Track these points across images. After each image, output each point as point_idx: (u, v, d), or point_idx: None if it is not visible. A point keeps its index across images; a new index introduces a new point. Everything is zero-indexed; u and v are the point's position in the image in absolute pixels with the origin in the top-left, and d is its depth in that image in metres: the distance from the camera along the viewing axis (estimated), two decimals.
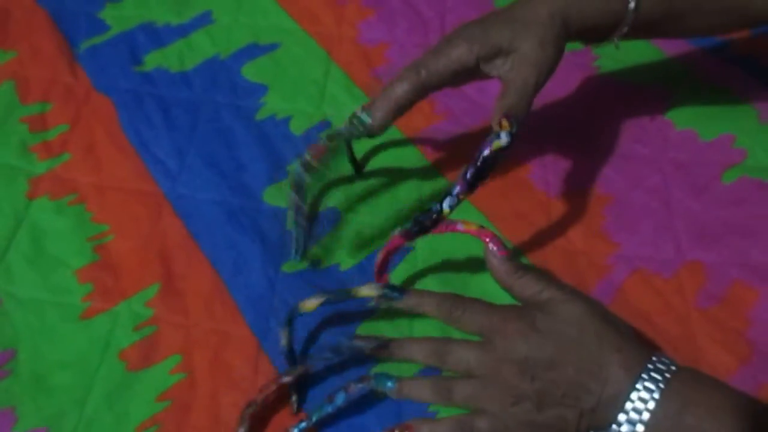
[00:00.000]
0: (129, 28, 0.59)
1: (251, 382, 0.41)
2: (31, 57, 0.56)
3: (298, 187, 0.45)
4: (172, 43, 0.58)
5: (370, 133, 0.42)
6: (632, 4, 0.42)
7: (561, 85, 0.55)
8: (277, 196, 0.49)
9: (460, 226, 0.40)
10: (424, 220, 0.41)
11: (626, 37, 0.44)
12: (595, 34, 0.44)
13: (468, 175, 0.40)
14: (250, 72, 0.56)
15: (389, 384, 0.39)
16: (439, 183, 0.50)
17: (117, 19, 0.60)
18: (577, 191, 0.50)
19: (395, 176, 0.50)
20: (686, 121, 0.53)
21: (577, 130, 0.53)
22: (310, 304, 0.41)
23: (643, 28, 0.44)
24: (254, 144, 0.51)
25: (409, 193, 0.50)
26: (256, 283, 0.45)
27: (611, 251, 0.47)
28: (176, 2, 0.61)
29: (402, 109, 0.42)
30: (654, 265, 0.46)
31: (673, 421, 0.33)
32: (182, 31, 0.59)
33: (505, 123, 0.40)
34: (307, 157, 0.44)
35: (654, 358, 0.35)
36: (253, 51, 0.57)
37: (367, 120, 0.42)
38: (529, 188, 0.50)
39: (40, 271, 0.45)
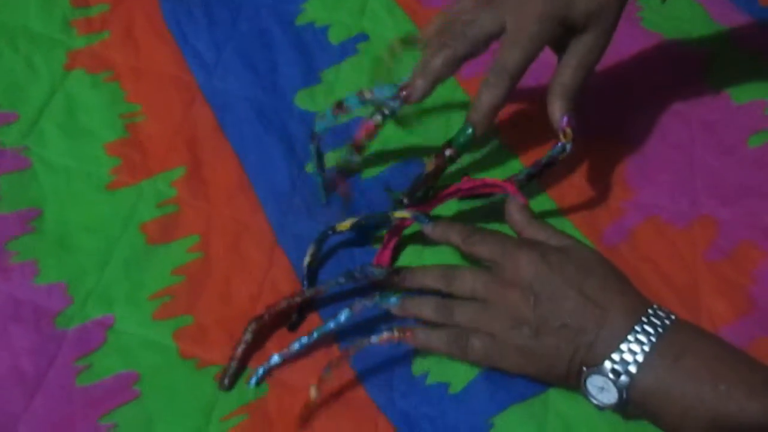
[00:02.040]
0: None
1: (264, 271, 0.43)
2: None
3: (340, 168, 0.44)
4: None
5: (472, 143, 0.42)
6: None
7: None
8: (308, 101, 0.49)
9: (488, 180, 0.42)
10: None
11: None
12: None
13: (530, 176, 0.43)
14: None
15: (393, 300, 0.39)
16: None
17: None
18: (603, 135, 0.50)
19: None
20: (721, 83, 0.53)
21: (611, 78, 0.53)
22: (345, 223, 0.41)
23: None
24: (291, 48, 0.52)
25: (438, 118, 0.50)
26: (278, 180, 0.46)
27: (627, 197, 0.48)
28: None
29: (499, 111, 0.41)
30: (668, 215, 0.47)
31: (668, 367, 0.34)
32: None
33: (569, 133, 0.41)
34: (358, 141, 0.43)
35: (655, 307, 0.36)
36: None
37: (472, 134, 0.41)
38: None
39: (71, 139, 0.46)
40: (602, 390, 0.35)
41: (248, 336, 0.39)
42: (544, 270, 0.37)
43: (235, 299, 0.41)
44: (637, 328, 0.35)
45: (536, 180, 0.44)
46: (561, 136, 0.41)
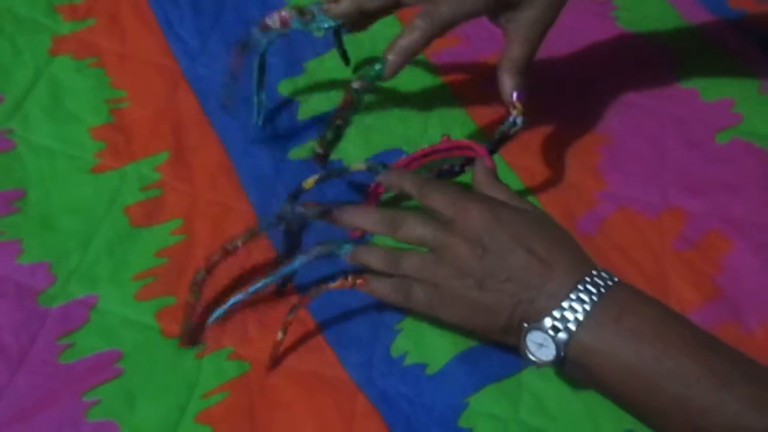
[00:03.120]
0: None
1: (247, 254, 0.43)
2: None
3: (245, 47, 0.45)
4: None
5: (382, 80, 0.42)
6: None
7: (576, 30, 0.57)
8: (291, 89, 0.50)
9: (465, 141, 0.43)
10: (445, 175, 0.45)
11: None
12: None
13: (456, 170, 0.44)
14: None
15: (345, 248, 0.39)
16: (447, 96, 0.52)
17: None
18: (576, 128, 0.52)
19: (405, 87, 0.52)
20: (690, 81, 0.55)
21: (585, 73, 0.55)
22: (310, 181, 0.42)
23: None
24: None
25: (417, 104, 0.51)
26: (262, 165, 0.47)
27: (601, 188, 0.49)
28: None
29: (414, 56, 0.42)
30: (639, 206, 0.49)
31: (607, 326, 0.34)
32: None
33: (519, 106, 0.42)
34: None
35: (599, 268, 0.37)
36: None
37: (381, 70, 0.42)
38: (532, 121, 0.52)
39: (56, 122, 0.46)
40: (541, 347, 0.35)
41: (199, 276, 0.39)
42: (494, 224, 0.37)
43: (217, 281, 0.42)
44: (580, 286, 0.35)
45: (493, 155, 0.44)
46: (512, 110, 0.42)
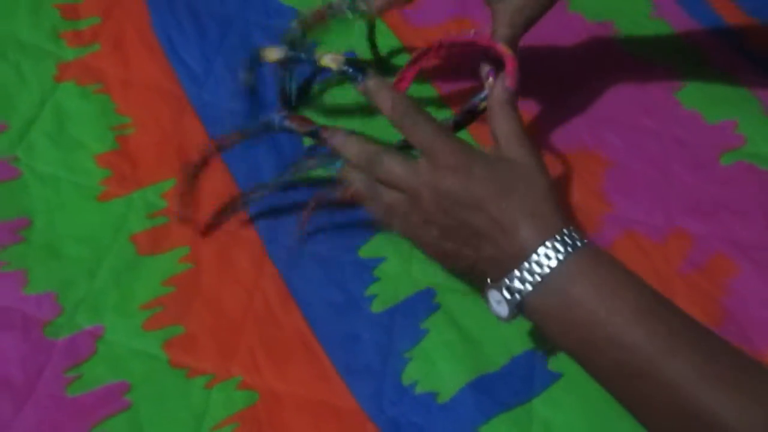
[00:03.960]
0: None
1: (254, 280, 0.43)
2: None
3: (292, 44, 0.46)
4: None
5: (364, 11, 0.46)
6: None
7: (579, 53, 0.57)
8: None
9: (499, 46, 0.42)
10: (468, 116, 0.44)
11: None
12: None
13: (454, 123, 0.43)
14: None
15: (338, 164, 0.40)
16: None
17: None
18: (582, 151, 0.52)
19: None
20: (693, 102, 0.55)
21: (589, 96, 0.55)
22: (271, 54, 0.42)
23: None
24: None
25: None
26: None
27: (606, 210, 0.49)
28: None
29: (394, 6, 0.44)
30: (644, 229, 0.49)
31: (560, 292, 0.34)
32: None
33: (492, 83, 0.42)
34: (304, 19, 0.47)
35: (563, 232, 0.36)
36: None
37: (365, 7, 0.45)
38: (538, 144, 0.52)
39: (61, 149, 0.46)
40: (499, 303, 0.36)
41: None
42: (465, 183, 0.36)
43: (225, 309, 0.42)
44: (540, 251, 0.35)
45: (463, 128, 0.44)
46: (486, 86, 0.43)
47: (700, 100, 0.55)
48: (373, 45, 0.53)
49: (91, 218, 0.43)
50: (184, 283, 0.42)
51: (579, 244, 0.35)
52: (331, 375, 0.40)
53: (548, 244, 0.35)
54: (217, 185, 0.46)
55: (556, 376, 0.42)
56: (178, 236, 0.44)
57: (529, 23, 0.44)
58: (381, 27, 0.56)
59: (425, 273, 0.44)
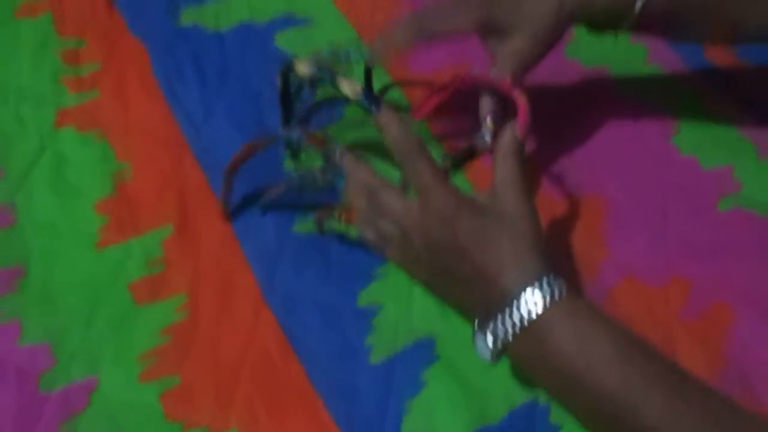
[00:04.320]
0: None
1: (251, 330, 0.43)
2: None
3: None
4: (211, 3, 0.60)
5: (367, 61, 0.48)
6: (638, 6, 0.44)
7: (576, 97, 0.58)
8: (296, 163, 0.51)
9: (515, 93, 0.43)
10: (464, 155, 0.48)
11: (627, 30, 0.47)
12: (599, 25, 0.47)
13: (454, 158, 0.45)
14: (282, 41, 0.58)
15: (342, 184, 0.42)
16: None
17: None
18: (581, 197, 0.52)
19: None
20: (690, 148, 0.56)
21: (588, 140, 0.55)
22: (302, 67, 0.43)
23: (645, 26, 0.46)
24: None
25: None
26: (266, 238, 0.46)
27: (606, 256, 0.49)
28: None
29: (399, 49, 0.46)
30: (644, 275, 0.48)
31: (535, 345, 0.36)
32: None
33: (490, 124, 0.44)
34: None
35: (547, 279, 0.36)
36: (287, 21, 0.59)
37: (367, 56, 0.47)
38: (537, 189, 0.52)
39: (59, 196, 0.46)
40: (483, 346, 0.37)
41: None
42: (451, 231, 0.37)
43: (222, 359, 0.41)
44: (522, 299, 0.36)
45: (459, 167, 0.46)
46: (483, 126, 0.44)
47: (696, 146, 0.56)
48: (369, 89, 0.54)
49: (88, 266, 0.43)
50: (181, 332, 0.42)
51: (559, 292, 0.36)
52: (330, 427, 0.40)
53: (529, 291, 0.36)
54: (217, 234, 0.46)
55: (556, 429, 0.41)
56: (176, 283, 0.44)
57: (528, 67, 0.45)
58: (378, 69, 0.57)
59: (424, 321, 0.44)
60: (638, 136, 0.56)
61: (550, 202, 0.51)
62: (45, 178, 0.46)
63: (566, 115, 0.57)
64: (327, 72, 0.41)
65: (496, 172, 0.40)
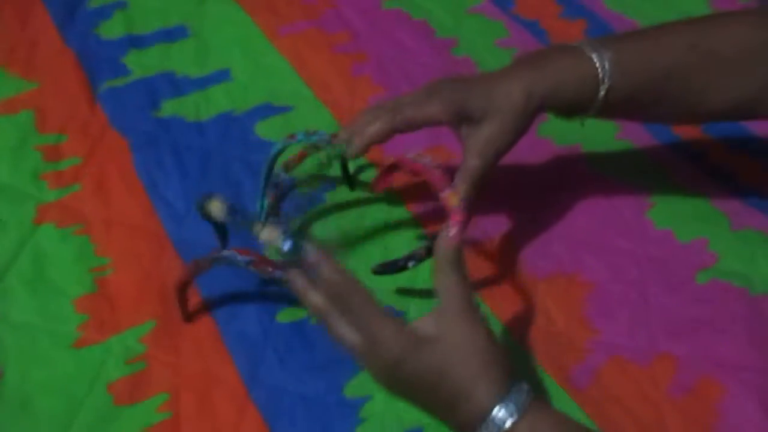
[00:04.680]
0: (149, 75, 0.62)
1: (235, 428, 0.42)
2: (53, 90, 0.59)
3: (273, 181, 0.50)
4: (190, 94, 0.61)
5: (343, 159, 0.47)
6: (602, 92, 0.46)
7: (551, 175, 0.59)
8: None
9: (445, 192, 0.41)
10: (388, 269, 0.47)
11: (592, 116, 0.49)
12: (566, 111, 0.48)
13: (427, 249, 0.45)
14: (262, 129, 0.59)
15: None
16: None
17: (139, 65, 0.62)
18: (561, 277, 0.52)
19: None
20: (665, 221, 0.57)
21: (564, 219, 0.56)
22: (215, 208, 0.40)
23: (610, 111, 0.48)
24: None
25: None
26: (249, 331, 0.46)
27: (590, 336, 0.49)
28: (197, 56, 0.64)
29: (375, 143, 0.45)
30: (629, 353, 0.49)
31: None
32: (201, 83, 0.62)
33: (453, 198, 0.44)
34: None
35: (502, 406, 0.36)
36: (267, 110, 0.60)
37: (343, 151, 0.46)
38: (518, 269, 0.52)
39: (37, 296, 0.45)
40: None
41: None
42: (398, 379, 0.37)
43: None
44: (489, 419, 0.35)
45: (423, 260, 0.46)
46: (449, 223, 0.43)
47: (671, 219, 0.57)
48: (347, 175, 0.55)
49: (67, 368, 0.42)
50: None
51: (524, 406, 0.36)
52: None
53: (495, 411, 0.36)
54: (199, 328, 0.46)
55: None
56: (157, 382, 0.43)
57: (500, 154, 0.46)
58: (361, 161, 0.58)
59: (412, 411, 0.43)
60: (614, 213, 0.58)
61: (532, 283, 0.52)
62: (23, 277, 0.46)
63: (541, 195, 0.58)
64: (240, 218, 0.40)
65: (436, 288, 0.38)
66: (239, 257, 0.42)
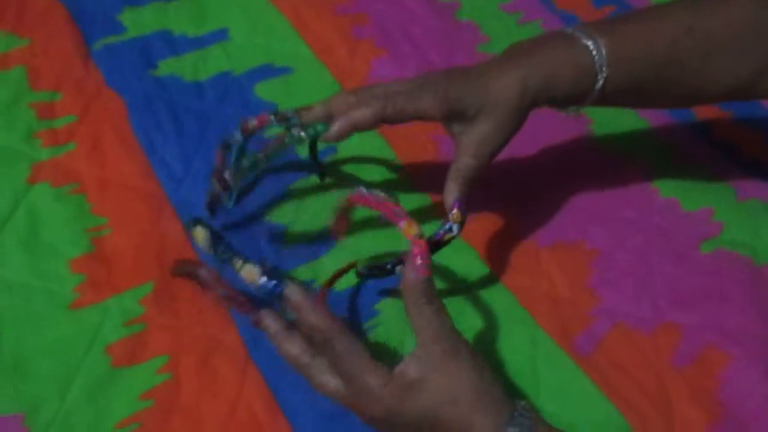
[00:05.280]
0: (145, 33, 0.60)
1: (237, 390, 0.41)
2: (45, 47, 0.57)
3: (227, 148, 0.46)
4: (188, 53, 0.59)
5: (322, 140, 0.43)
6: (600, 83, 0.44)
7: (555, 145, 0.58)
8: (278, 215, 0.50)
9: (402, 224, 0.37)
10: (374, 272, 0.44)
11: (589, 106, 0.46)
12: (561, 103, 0.46)
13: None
14: (262, 90, 0.57)
15: (289, 317, 0.38)
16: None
17: (134, 23, 0.61)
18: (566, 245, 0.52)
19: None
20: (670, 191, 0.56)
21: (568, 189, 0.56)
22: (199, 235, 0.38)
23: (607, 100, 0.46)
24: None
25: None
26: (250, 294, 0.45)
27: (595, 304, 0.49)
28: (194, 15, 0.62)
29: (358, 130, 0.42)
30: (633, 321, 0.48)
31: None
32: (198, 43, 0.60)
33: (457, 214, 0.42)
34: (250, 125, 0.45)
35: (514, 419, 0.35)
36: (267, 71, 0.59)
37: (323, 130, 0.42)
38: (522, 238, 0.52)
39: (32, 255, 0.44)
40: None
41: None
42: (393, 426, 0.36)
43: (207, 423, 0.40)
44: None
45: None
46: (450, 217, 0.42)
47: (676, 189, 0.56)
48: (316, 161, 0.51)
49: (63, 329, 0.41)
50: (162, 396, 0.40)
51: (532, 423, 0.35)
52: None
53: None
54: (199, 291, 0.44)
55: None
56: (156, 344, 0.42)
57: (495, 152, 0.44)
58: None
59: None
60: (618, 182, 0.57)
61: (536, 253, 0.51)
62: (18, 237, 0.44)
63: (546, 164, 0.57)
64: (223, 251, 0.38)
65: (412, 325, 0.37)
66: (219, 290, 0.40)
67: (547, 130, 0.59)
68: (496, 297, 0.48)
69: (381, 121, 0.42)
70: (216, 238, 0.38)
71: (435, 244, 0.42)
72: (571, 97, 0.45)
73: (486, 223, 0.52)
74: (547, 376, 0.45)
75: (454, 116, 0.43)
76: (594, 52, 0.43)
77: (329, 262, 0.47)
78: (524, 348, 0.46)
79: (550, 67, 0.43)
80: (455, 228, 0.42)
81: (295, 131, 0.42)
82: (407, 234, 0.37)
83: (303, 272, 0.46)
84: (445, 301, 0.42)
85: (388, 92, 0.42)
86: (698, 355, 0.47)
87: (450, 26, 0.66)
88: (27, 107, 0.52)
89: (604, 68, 0.44)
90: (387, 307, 0.46)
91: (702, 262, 0.52)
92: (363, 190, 0.39)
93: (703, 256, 0.53)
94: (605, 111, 0.61)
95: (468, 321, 0.46)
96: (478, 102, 0.42)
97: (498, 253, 0.50)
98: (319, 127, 0.42)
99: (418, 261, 0.36)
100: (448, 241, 0.42)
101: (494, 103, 0.42)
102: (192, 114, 0.54)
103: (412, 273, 0.36)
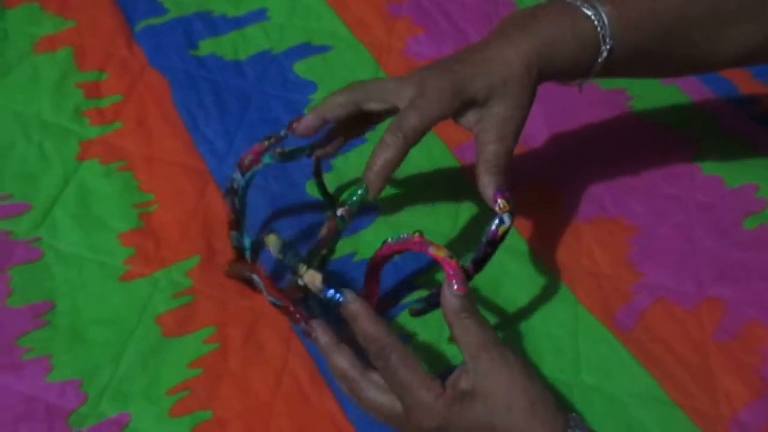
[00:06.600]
0: (186, 14, 0.61)
1: (282, 359, 0.42)
2: (90, 28, 0.58)
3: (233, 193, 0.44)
4: (227, 33, 0.60)
5: (366, 202, 0.40)
6: (604, 54, 0.42)
7: (595, 122, 0.58)
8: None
9: (430, 250, 0.37)
10: (425, 307, 0.44)
11: (594, 78, 0.44)
12: (566, 77, 0.44)
13: (476, 260, 0.39)
14: (301, 69, 0.58)
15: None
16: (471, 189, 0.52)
17: (175, 4, 0.61)
18: (606, 220, 0.52)
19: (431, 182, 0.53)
20: (712, 167, 0.56)
21: (609, 165, 0.55)
22: (272, 243, 0.38)
23: (611, 71, 0.44)
24: (301, 137, 0.53)
25: (445, 198, 0.52)
26: None
27: (636, 279, 0.49)
28: None
29: (393, 171, 0.40)
30: (675, 296, 0.48)
31: None
32: (237, 23, 0.61)
33: (503, 204, 0.39)
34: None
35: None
36: (305, 50, 0.59)
37: (365, 193, 0.40)
38: (562, 214, 0.52)
39: (84, 229, 0.45)
40: None
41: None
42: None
43: (254, 390, 0.41)
44: None
45: (483, 264, 0.40)
46: (497, 209, 0.40)
47: (719, 165, 0.56)
48: (320, 181, 0.49)
49: (115, 300, 0.43)
50: (211, 365, 0.41)
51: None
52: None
53: None
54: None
55: None
56: (204, 316, 0.43)
57: (518, 131, 0.41)
58: None
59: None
60: (659, 158, 0.56)
61: (575, 229, 0.51)
62: (69, 211, 0.46)
63: (586, 139, 0.57)
64: (291, 259, 0.38)
65: (456, 340, 0.36)
66: (269, 297, 0.40)
67: (585, 105, 0.59)
68: (536, 273, 0.48)
69: (406, 149, 0.40)
70: (286, 246, 0.38)
71: (492, 243, 0.39)
72: (576, 69, 0.43)
73: (525, 199, 0.52)
74: (588, 350, 0.45)
75: (465, 107, 0.41)
76: (596, 22, 0.41)
77: (370, 235, 0.48)
78: (565, 323, 0.46)
79: (550, 38, 0.41)
80: (506, 218, 0.39)
81: (339, 211, 0.40)
82: (437, 257, 0.37)
83: (344, 245, 0.47)
84: (484, 277, 0.42)
85: (398, 121, 0.40)
86: (741, 331, 0.47)
87: (487, 3, 0.66)
88: (75, 87, 0.53)
89: (607, 39, 0.42)
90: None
91: (744, 238, 0.52)
92: (389, 240, 0.39)
93: (746, 231, 0.52)
94: (646, 86, 0.61)
95: (509, 296, 0.46)
96: (487, 84, 0.40)
97: (538, 228, 0.50)
98: (360, 192, 0.40)
99: (453, 279, 0.36)
100: (504, 235, 0.39)
101: (503, 82, 0.40)
102: (233, 92, 0.55)
103: (449, 291, 0.36)
